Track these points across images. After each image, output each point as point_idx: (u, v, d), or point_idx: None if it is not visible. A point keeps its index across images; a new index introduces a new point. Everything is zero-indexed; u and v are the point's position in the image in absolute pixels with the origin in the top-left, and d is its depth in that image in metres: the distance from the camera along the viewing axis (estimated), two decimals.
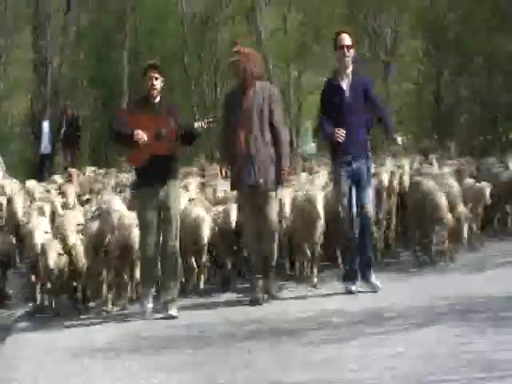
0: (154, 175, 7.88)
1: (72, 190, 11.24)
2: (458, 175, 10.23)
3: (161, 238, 8.01)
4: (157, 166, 7.86)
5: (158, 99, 8.04)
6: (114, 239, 8.23)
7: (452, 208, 8.90)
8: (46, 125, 18.58)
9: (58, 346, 7.21)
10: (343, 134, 7.90)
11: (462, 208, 8.99)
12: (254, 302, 7.99)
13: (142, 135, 7.79)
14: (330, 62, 25.04)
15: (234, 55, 8.30)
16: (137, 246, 8.15)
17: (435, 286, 7.97)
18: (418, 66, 21.06)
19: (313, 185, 9.78)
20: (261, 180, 7.98)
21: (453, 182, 9.42)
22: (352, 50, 8.10)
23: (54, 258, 8.17)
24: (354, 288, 8.06)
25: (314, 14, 23.23)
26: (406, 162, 10.07)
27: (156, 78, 7.99)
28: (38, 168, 18.54)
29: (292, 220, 8.73)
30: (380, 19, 21.83)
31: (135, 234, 8.14)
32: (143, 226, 7.99)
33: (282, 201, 8.63)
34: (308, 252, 8.48)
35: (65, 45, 25.54)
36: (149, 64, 8.28)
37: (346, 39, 8.09)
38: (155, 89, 8.00)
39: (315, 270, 8.51)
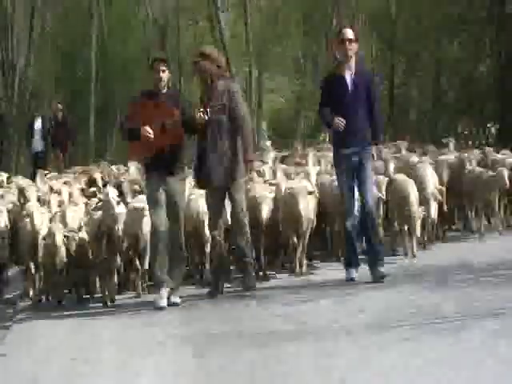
0: (160, 164, 8.02)
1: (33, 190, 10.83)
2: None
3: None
4: (163, 155, 8.00)
5: (164, 91, 8.14)
6: (118, 230, 8.32)
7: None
8: (37, 124, 18.52)
9: (62, 337, 7.30)
10: (342, 123, 8.00)
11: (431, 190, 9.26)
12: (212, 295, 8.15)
13: (149, 133, 7.93)
14: (287, 62, 26.25)
15: (196, 56, 8.39)
16: (146, 235, 8.37)
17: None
18: (371, 65, 22.11)
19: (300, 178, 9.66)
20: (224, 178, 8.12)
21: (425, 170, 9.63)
22: (354, 44, 8.17)
23: (60, 239, 8.35)
24: (353, 276, 8.11)
25: (273, 17, 24.16)
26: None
27: (163, 71, 8.10)
28: (32, 166, 18.10)
29: (279, 213, 8.79)
30: (335, 21, 22.83)
31: (144, 223, 8.37)
32: (154, 212, 8.09)
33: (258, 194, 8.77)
34: (295, 243, 8.56)
35: (31, 46, 25.75)
36: (155, 57, 8.48)
37: (349, 33, 8.18)
38: (162, 81, 8.10)
39: (301, 261, 8.64)
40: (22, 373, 6.34)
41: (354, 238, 8.22)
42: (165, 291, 7.96)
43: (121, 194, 9.78)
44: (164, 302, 7.89)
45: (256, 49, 23.40)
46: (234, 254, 8.62)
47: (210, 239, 8.45)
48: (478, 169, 10.34)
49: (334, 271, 8.58)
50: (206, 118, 7.91)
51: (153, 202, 8.09)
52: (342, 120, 7.98)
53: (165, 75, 8.10)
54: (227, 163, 8.12)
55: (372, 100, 8.25)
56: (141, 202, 8.69)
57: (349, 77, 8.18)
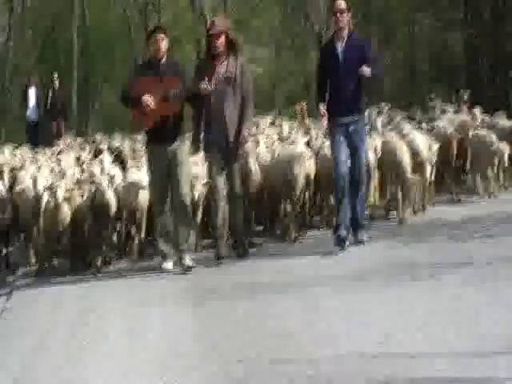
0: (162, 134, 8.08)
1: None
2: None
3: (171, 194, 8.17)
4: (165, 125, 8.06)
5: (163, 60, 8.15)
6: (112, 201, 8.47)
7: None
8: (31, 92, 18.42)
9: (64, 304, 7.47)
10: (325, 122, 8.15)
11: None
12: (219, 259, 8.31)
13: (149, 102, 7.96)
14: (265, 35, 26.76)
15: (211, 27, 8.36)
16: (144, 207, 8.55)
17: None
18: None
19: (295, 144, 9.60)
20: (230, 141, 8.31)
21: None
22: (345, 14, 8.19)
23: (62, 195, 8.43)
24: (342, 245, 8.19)
25: None
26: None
27: (162, 39, 8.11)
28: (27, 135, 18.30)
29: (271, 178, 9.03)
30: None
31: (141, 196, 8.54)
32: (155, 181, 8.20)
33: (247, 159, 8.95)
34: (288, 209, 8.81)
35: (11, 25, 26.15)
36: (154, 26, 8.46)
37: (341, 4, 8.19)
38: (161, 50, 8.10)
39: (292, 226, 8.83)
40: (31, 323, 6.82)
41: (343, 200, 8.24)
42: (170, 262, 8.13)
43: (121, 162, 10.16)
44: (170, 265, 8.10)
45: (235, 21, 23.90)
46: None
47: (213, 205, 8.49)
48: (482, 132, 10.50)
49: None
50: (211, 88, 7.98)
51: (154, 173, 8.18)
52: (325, 119, 8.12)
53: (163, 45, 8.09)
54: (229, 132, 8.25)
55: (372, 60, 8.17)
56: (138, 173, 8.88)
57: (340, 48, 8.22)
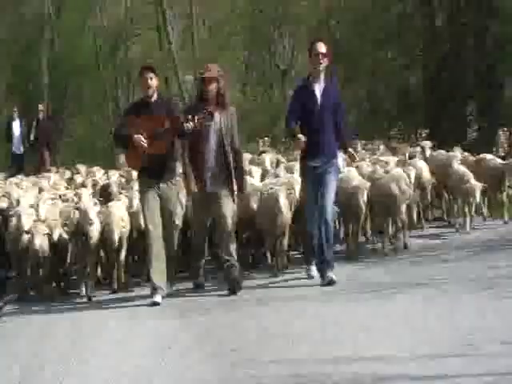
0: (153, 172, 8.26)
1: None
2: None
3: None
4: (156, 163, 8.22)
5: (154, 98, 8.34)
6: (92, 234, 8.64)
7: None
8: (15, 125, 18.76)
9: (51, 329, 7.70)
10: (303, 143, 8.17)
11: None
12: (199, 286, 8.73)
13: (140, 141, 8.14)
14: (232, 71, 27.44)
15: (206, 71, 8.55)
16: (115, 238, 8.74)
17: None
18: None
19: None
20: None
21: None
22: (326, 59, 8.33)
23: (41, 239, 8.72)
24: (313, 273, 8.59)
25: (218, 29, 25.40)
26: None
27: (151, 78, 8.27)
28: (13, 166, 18.44)
29: (257, 214, 9.10)
30: (279, 33, 24.19)
31: (114, 227, 8.72)
32: (147, 217, 8.29)
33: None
34: (271, 244, 8.99)
35: None
36: (143, 66, 8.67)
37: (322, 47, 8.31)
38: (151, 88, 8.29)
39: (279, 260, 9.07)
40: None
41: (313, 239, 8.43)
42: (159, 297, 8.22)
43: (109, 194, 10.30)
44: (159, 298, 8.20)
45: (201, 59, 24.56)
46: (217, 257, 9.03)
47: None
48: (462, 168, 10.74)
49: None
50: (190, 127, 8.12)
51: (145, 206, 8.31)
52: (304, 139, 8.13)
53: (153, 83, 8.29)
54: (221, 179, 8.47)
55: (339, 114, 8.46)
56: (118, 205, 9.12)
57: (318, 90, 8.35)
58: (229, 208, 8.53)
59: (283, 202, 8.77)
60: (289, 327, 6.89)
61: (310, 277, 8.63)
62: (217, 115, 8.49)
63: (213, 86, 8.47)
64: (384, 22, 20.84)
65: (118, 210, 8.96)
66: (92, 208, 8.77)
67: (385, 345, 6.09)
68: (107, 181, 11.45)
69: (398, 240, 9.72)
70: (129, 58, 25.76)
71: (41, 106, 19.10)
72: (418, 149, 12.35)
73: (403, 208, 9.55)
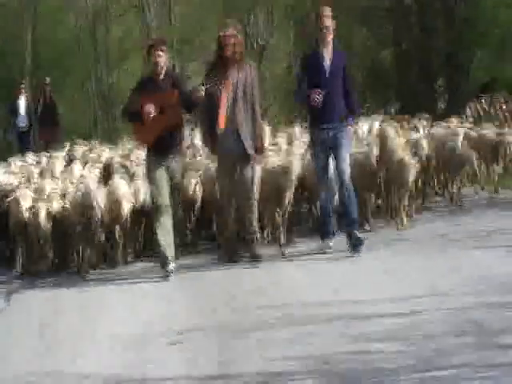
0: (161, 145, 8.30)
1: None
2: None
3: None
4: (163, 137, 8.25)
5: (162, 75, 8.32)
6: (95, 210, 8.68)
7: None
8: (21, 101, 18.46)
9: (59, 304, 7.94)
10: (319, 98, 8.31)
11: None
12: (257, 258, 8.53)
13: (149, 111, 8.11)
14: (210, 49, 28.06)
15: (227, 32, 8.52)
16: (124, 215, 8.81)
17: None
18: (290, 49, 24.27)
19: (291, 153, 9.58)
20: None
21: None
22: (331, 21, 8.46)
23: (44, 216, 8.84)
24: (330, 243, 8.69)
25: (196, 8, 25.99)
26: None
27: (159, 56, 8.23)
28: (18, 144, 18.28)
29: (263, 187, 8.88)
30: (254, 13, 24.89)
31: (124, 205, 8.79)
32: (155, 190, 8.36)
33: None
34: (278, 218, 8.91)
35: None
36: (153, 42, 8.67)
37: (326, 10, 8.52)
38: (159, 65, 8.26)
39: (283, 235, 9.00)
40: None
41: (328, 211, 8.65)
42: (171, 267, 8.33)
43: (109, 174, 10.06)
44: (171, 267, 8.33)
45: (179, 40, 25.15)
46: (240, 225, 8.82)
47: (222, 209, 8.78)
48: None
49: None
50: (202, 90, 8.08)
51: (153, 180, 8.36)
52: (319, 95, 8.28)
53: (161, 59, 8.25)
54: (244, 138, 8.45)
55: (347, 78, 8.57)
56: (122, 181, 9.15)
57: (326, 54, 8.51)
58: (249, 174, 8.52)
59: None
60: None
61: (326, 248, 8.67)
62: (234, 73, 8.45)
63: (232, 42, 8.45)
64: (356, 1, 21.63)
65: (123, 185, 9.04)
66: (96, 191, 8.82)
67: (365, 289, 7.11)
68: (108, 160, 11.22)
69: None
70: (109, 38, 26.20)
71: (48, 80, 18.80)
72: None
73: None
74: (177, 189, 8.53)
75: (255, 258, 8.50)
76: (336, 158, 8.51)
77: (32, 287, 8.77)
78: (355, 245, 8.44)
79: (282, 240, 8.96)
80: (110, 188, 9.03)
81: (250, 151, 8.49)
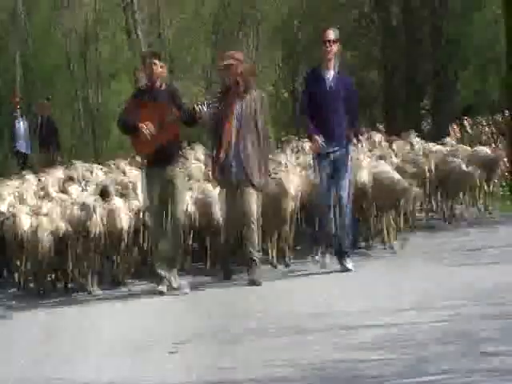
0: (159, 159, 8.21)
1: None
2: None
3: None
4: (162, 150, 8.15)
5: (158, 85, 8.28)
6: (96, 227, 8.72)
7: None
8: (20, 124, 18.29)
9: (52, 325, 7.98)
10: (319, 145, 8.37)
11: None
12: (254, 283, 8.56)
13: (147, 128, 8.10)
14: (194, 68, 28.42)
15: (229, 59, 8.66)
16: (125, 230, 8.81)
17: None
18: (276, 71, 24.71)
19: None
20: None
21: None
22: (335, 45, 8.47)
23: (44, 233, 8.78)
24: (326, 261, 8.79)
25: (184, 30, 26.36)
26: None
27: (154, 64, 8.22)
28: (17, 165, 17.88)
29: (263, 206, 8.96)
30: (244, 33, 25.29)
31: (123, 220, 8.80)
32: (151, 204, 8.33)
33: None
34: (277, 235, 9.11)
35: None
36: (147, 52, 8.78)
37: (330, 34, 8.49)
38: (154, 75, 8.23)
39: (287, 251, 9.20)
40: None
41: (326, 227, 8.65)
42: (164, 286, 8.35)
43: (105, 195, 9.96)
44: (164, 288, 8.34)
45: (169, 59, 25.50)
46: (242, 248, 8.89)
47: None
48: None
49: None
50: (205, 109, 8.11)
51: (149, 196, 8.35)
52: (321, 141, 8.34)
53: (156, 69, 8.25)
54: (248, 166, 8.48)
55: (353, 101, 8.62)
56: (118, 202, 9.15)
57: (328, 76, 8.48)
58: (249, 198, 8.52)
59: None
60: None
61: (323, 265, 8.76)
62: (238, 102, 8.50)
63: (230, 73, 8.54)
64: (344, 22, 22.06)
65: (121, 204, 9.09)
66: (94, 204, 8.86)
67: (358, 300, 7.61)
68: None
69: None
70: (99, 58, 26.50)
71: (46, 102, 18.73)
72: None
73: None
74: (175, 200, 8.37)
75: (253, 284, 8.53)
76: (335, 184, 8.51)
77: (32, 304, 8.93)
78: (343, 270, 8.61)
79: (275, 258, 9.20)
80: (109, 206, 9.03)
81: (252, 178, 8.50)
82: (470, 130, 13.87)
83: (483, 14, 20.01)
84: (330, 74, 8.50)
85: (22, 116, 18.51)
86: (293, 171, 9.47)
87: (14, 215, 9.27)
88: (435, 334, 6.30)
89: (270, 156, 9.16)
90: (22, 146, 18.01)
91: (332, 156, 8.47)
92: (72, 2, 26.80)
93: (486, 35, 19.34)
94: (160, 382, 5.99)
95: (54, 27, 27.29)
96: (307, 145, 11.02)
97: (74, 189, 10.56)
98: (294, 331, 6.77)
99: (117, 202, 9.15)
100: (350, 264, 8.61)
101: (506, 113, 16.07)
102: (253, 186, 8.52)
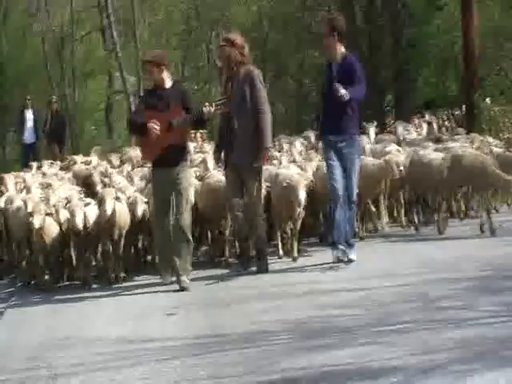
0: (164, 160, 8.18)
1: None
2: None
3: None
4: (169, 152, 8.15)
5: (166, 87, 8.31)
6: (91, 223, 8.69)
7: None
8: (28, 115, 18.21)
9: (59, 320, 7.95)
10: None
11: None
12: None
13: (155, 128, 8.08)
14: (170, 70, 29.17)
15: (221, 41, 8.68)
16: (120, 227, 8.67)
17: None
18: None
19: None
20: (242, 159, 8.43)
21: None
22: (330, 38, 8.39)
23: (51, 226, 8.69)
24: (340, 254, 8.67)
25: (159, 30, 27.28)
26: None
27: (151, 72, 8.29)
28: (22, 157, 18.12)
29: (274, 198, 9.09)
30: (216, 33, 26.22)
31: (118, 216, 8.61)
32: (158, 209, 8.34)
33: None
34: (288, 228, 9.16)
35: None
36: (143, 61, 8.70)
37: (324, 27, 8.57)
38: (155, 80, 8.32)
39: (295, 245, 9.14)
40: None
41: (338, 218, 8.51)
42: (170, 278, 8.45)
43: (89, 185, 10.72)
44: (169, 280, 8.46)
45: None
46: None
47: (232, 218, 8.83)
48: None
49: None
50: (214, 111, 8.11)
51: (157, 199, 8.38)
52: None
53: (155, 74, 8.29)
54: (245, 148, 8.38)
55: (355, 87, 8.30)
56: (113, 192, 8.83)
57: (334, 65, 8.45)
58: (251, 185, 8.53)
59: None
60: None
61: (349, 261, 8.64)
62: (231, 84, 8.47)
63: (223, 55, 8.52)
64: (310, 23, 23.10)
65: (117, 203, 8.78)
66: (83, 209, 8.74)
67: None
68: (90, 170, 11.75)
69: None
70: (74, 58, 27.21)
71: (54, 98, 19.00)
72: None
73: None
74: (182, 200, 8.31)
75: (261, 272, 8.70)
76: (344, 174, 8.46)
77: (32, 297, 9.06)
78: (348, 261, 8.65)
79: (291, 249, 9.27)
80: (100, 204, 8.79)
81: (251, 160, 8.42)
82: (435, 126, 14.75)
83: (444, 16, 21.02)
84: (336, 65, 8.45)
85: (30, 108, 18.34)
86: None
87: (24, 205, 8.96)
88: (398, 296, 7.34)
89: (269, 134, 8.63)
90: (29, 138, 18.00)
91: (338, 146, 8.44)
92: (49, 2, 27.46)
93: (446, 36, 20.31)
94: (161, 335, 6.95)
95: (29, 28, 27.94)
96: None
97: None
98: (275, 297, 7.77)
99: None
100: (353, 255, 8.65)
101: (464, 107, 17.21)
102: (252, 169, 8.46)
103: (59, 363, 6.42)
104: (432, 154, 10.36)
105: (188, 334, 6.91)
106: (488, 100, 17.33)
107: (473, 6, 16.96)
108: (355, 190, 8.52)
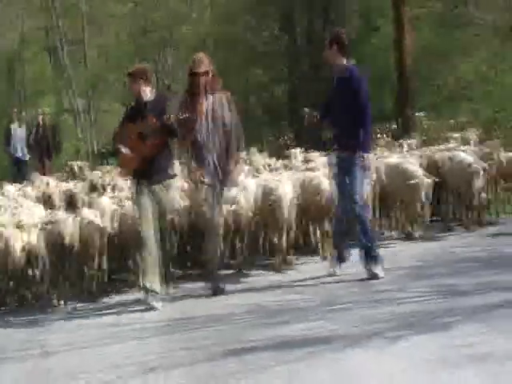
0: (145, 173, 8.23)
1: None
2: None
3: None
4: (146, 165, 8.21)
5: (145, 100, 8.37)
6: (74, 238, 8.58)
7: None
8: (19, 130, 18.21)
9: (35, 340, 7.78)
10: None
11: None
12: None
13: (124, 150, 8.23)
14: (119, 89, 29.95)
15: (196, 67, 8.44)
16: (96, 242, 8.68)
17: None
18: None
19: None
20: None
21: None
22: (329, 50, 8.29)
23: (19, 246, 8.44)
24: (336, 270, 8.83)
25: (108, 50, 28.06)
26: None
27: (132, 83, 8.41)
28: (13, 172, 18.00)
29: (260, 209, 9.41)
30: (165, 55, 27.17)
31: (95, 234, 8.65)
32: (143, 224, 8.24)
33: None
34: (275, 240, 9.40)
35: None
36: (127, 72, 8.65)
37: (326, 40, 8.45)
38: (133, 92, 8.45)
39: (279, 257, 9.53)
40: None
41: (340, 235, 8.69)
42: (153, 301, 8.28)
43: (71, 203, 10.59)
44: (159, 305, 8.30)
45: (93, 75, 27.08)
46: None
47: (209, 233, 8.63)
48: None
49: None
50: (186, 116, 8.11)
51: (139, 209, 8.35)
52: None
53: (134, 87, 8.39)
54: (218, 167, 8.48)
55: (358, 105, 8.10)
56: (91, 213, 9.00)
57: (335, 81, 8.37)
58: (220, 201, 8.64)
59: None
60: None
61: (376, 277, 8.43)
62: (205, 105, 8.45)
63: (202, 80, 8.45)
64: (254, 43, 24.22)
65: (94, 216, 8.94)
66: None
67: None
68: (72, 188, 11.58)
69: None
70: (25, 78, 27.87)
71: (41, 112, 18.73)
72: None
73: None
74: (164, 215, 8.44)
75: (216, 293, 8.61)
76: (348, 182, 8.36)
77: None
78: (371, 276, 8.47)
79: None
80: (81, 219, 8.87)
81: (223, 177, 8.52)
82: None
83: (379, 36, 22.26)
84: (336, 78, 8.40)
85: (18, 120, 18.40)
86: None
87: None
88: (342, 284, 8.61)
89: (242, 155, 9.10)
90: (18, 150, 17.93)
91: (341, 163, 8.36)
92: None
93: (382, 56, 21.49)
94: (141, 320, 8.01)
95: None
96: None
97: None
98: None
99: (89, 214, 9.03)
100: (377, 269, 8.42)
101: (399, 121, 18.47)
102: (224, 188, 8.61)
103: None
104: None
105: (162, 318, 8.03)
106: (422, 113, 18.55)
107: (405, 27, 18.18)
108: (357, 210, 8.35)
